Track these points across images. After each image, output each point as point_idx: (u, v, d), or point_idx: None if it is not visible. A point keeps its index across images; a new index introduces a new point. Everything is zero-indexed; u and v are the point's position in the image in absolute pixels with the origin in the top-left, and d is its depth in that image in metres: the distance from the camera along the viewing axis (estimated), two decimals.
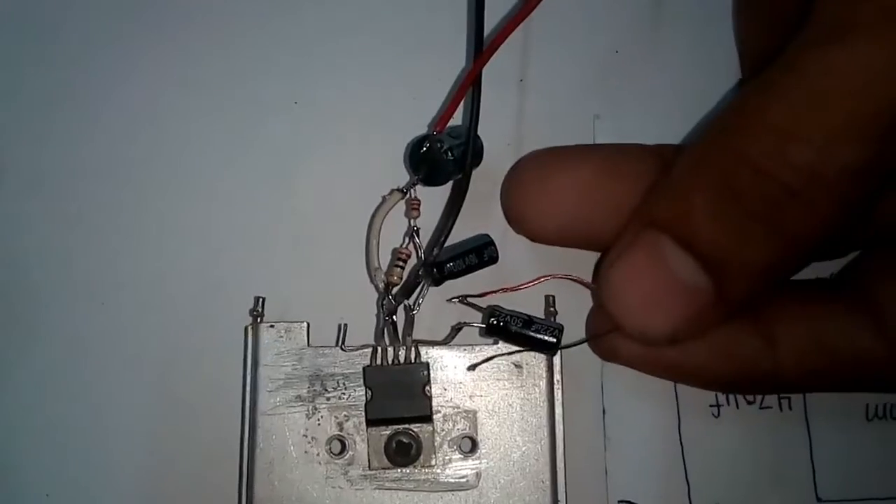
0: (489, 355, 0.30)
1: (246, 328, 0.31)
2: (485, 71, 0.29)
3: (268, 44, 0.34)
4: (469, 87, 0.30)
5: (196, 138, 0.33)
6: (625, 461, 0.31)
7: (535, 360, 0.30)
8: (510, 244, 0.32)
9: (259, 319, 0.31)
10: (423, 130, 0.31)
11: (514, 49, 0.33)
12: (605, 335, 0.29)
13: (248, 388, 0.30)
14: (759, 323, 0.28)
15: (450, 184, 0.31)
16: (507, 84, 0.33)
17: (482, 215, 0.32)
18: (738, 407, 0.32)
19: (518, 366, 0.30)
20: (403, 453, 0.29)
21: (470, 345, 0.30)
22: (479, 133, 0.31)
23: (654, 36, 0.34)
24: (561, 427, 0.30)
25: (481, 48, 0.30)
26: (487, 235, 0.31)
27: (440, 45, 0.33)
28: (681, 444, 0.31)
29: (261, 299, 0.31)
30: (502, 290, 0.30)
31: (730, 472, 0.31)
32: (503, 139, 0.33)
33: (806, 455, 0.31)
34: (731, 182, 0.24)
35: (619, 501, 0.31)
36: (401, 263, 0.30)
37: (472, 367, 0.30)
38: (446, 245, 0.29)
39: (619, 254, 0.27)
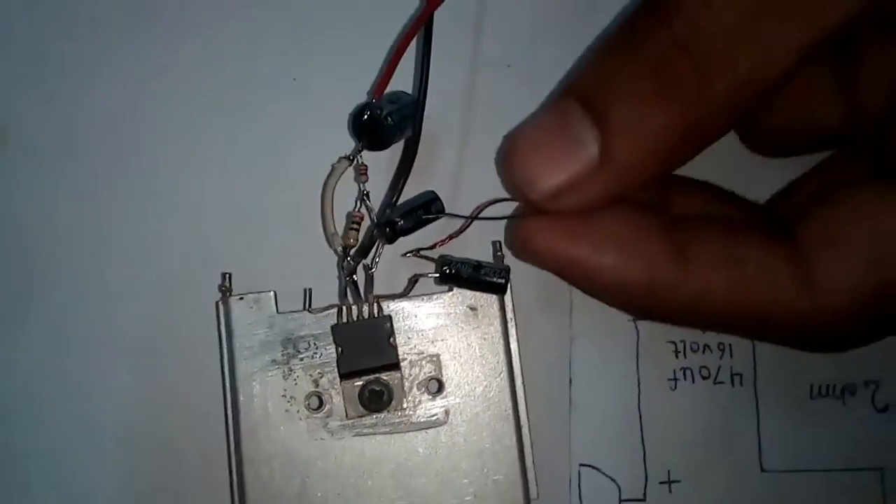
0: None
1: (217, 303, 0.33)
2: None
3: (210, 23, 0.35)
4: (402, 53, 0.32)
5: (145, 120, 0.35)
6: (588, 427, 0.34)
7: (488, 301, 0.32)
8: (454, 197, 0.34)
9: (228, 294, 0.32)
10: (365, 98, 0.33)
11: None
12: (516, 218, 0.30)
13: (225, 359, 0.32)
14: (672, 233, 0.28)
15: (394, 147, 0.33)
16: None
17: (424, 172, 0.34)
18: (693, 381, 0.34)
19: (473, 308, 0.32)
20: (376, 400, 0.31)
21: (427, 294, 0.32)
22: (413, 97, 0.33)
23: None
24: (518, 360, 0.32)
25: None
26: (432, 192, 0.33)
27: (380, 13, 0.35)
28: (639, 413, 0.34)
29: (227, 275, 0.33)
30: (449, 237, 0.32)
31: (683, 441, 0.34)
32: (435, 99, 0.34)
33: (753, 429, 0.34)
34: (640, 47, 0.25)
35: (580, 465, 0.34)
36: (355, 226, 0.32)
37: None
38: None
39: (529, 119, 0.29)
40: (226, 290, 0.33)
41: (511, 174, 0.28)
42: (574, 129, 0.26)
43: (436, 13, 0.31)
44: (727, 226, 0.29)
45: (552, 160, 0.27)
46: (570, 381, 0.34)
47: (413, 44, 0.32)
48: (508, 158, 0.28)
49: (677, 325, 0.31)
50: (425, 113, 0.32)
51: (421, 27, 0.31)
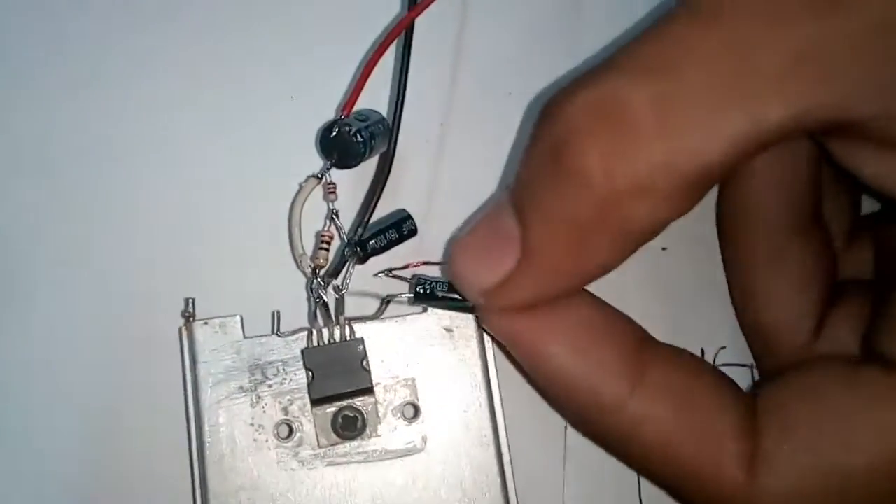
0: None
1: (180, 329, 0.31)
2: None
3: (163, 39, 0.34)
4: (374, 66, 0.31)
5: (106, 137, 0.34)
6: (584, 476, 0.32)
7: (465, 322, 0.31)
8: (427, 216, 0.33)
9: (191, 319, 0.31)
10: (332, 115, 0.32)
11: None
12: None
13: (189, 387, 0.30)
14: (636, 349, 0.27)
15: (363, 165, 0.32)
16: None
17: (394, 190, 0.33)
18: None
19: (449, 330, 0.31)
20: (350, 427, 0.30)
21: (400, 315, 0.31)
22: (382, 114, 0.33)
23: (575, 16, 0.35)
24: (496, 383, 0.31)
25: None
26: (404, 210, 0.32)
27: (350, 27, 0.34)
28: None
29: (190, 300, 0.31)
30: (425, 262, 0.31)
31: None
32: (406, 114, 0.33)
33: None
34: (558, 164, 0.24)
35: None
36: (325, 246, 0.31)
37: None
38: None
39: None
40: (189, 316, 0.31)
41: (451, 277, 0.28)
42: (504, 227, 0.25)
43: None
44: (695, 364, 0.28)
45: (483, 260, 0.26)
46: (567, 427, 0.33)
47: (383, 60, 0.31)
48: (449, 261, 0.27)
49: (606, 449, 0.30)
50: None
51: (395, 39, 0.31)
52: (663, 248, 0.34)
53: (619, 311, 0.28)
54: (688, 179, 0.23)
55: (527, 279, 0.26)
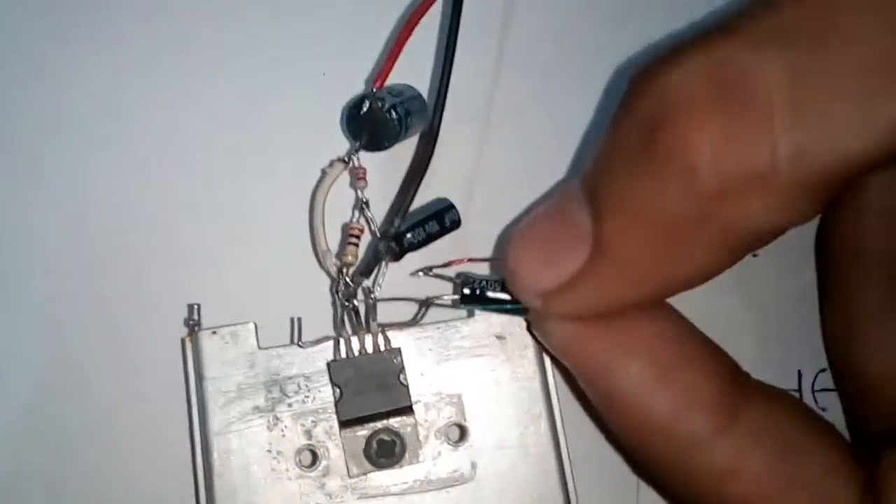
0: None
1: (182, 340, 0.27)
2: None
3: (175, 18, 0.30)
4: (407, 38, 0.27)
5: (103, 122, 0.29)
6: None
7: (519, 328, 0.27)
8: (469, 207, 0.29)
9: (196, 328, 0.26)
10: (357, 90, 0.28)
11: None
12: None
13: (194, 408, 0.26)
14: (729, 381, 0.23)
15: (394, 149, 0.28)
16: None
17: (431, 179, 0.28)
18: None
19: (501, 337, 0.27)
20: (387, 453, 0.25)
21: (443, 321, 0.27)
22: (419, 90, 0.28)
23: None
24: (557, 399, 0.26)
25: None
26: (446, 199, 0.28)
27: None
28: None
29: (195, 306, 0.27)
30: (471, 259, 0.27)
31: None
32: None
33: None
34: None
35: None
36: (354, 241, 0.26)
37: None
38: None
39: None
40: (194, 324, 0.27)
41: (505, 274, 0.24)
42: (573, 218, 0.22)
43: None
44: (800, 409, 0.24)
45: (545, 256, 0.23)
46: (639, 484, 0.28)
47: (419, 32, 0.27)
48: (504, 256, 0.24)
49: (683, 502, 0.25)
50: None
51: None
52: (754, 255, 0.29)
53: (704, 335, 0.24)
54: (821, 176, 0.19)
55: (597, 281, 0.22)
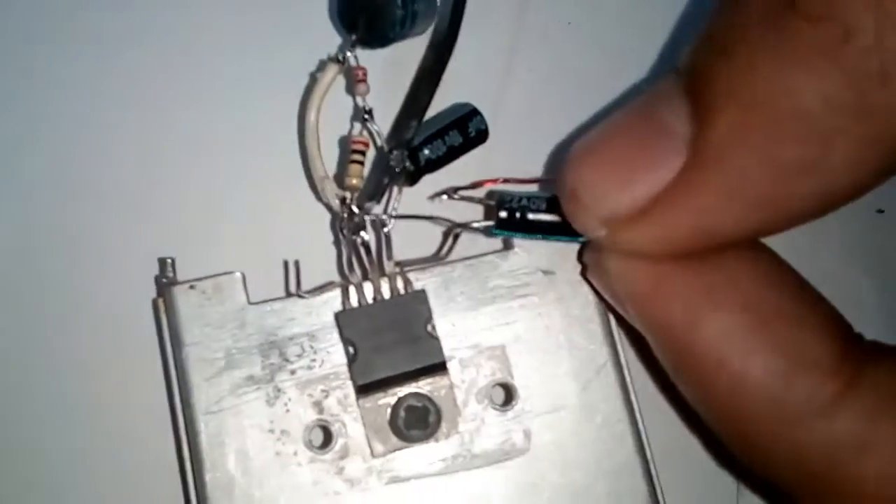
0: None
1: (154, 302, 0.22)
2: None
3: None
4: None
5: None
6: None
7: (572, 260, 0.21)
8: (500, 115, 0.23)
9: (171, 285, 0.21)
10: None
11: None
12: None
13: (174, 383, 0.21)
14: (848, 341, 0.18)
15: (395, 47, 0.22)
16: None
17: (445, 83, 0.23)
18: None
19: (549, 272, 0.21)
20: (418, 423, 0.20)
21: (475, 256, 0.22)
22: None
23: None
24: (622, 346, 0.22)
25: None
26: (469, 104, 0.22)
27: None
28: None
29: (169, 261, 0.22)
30: (506, 180, 0.22)
31: None
32: None
33: None
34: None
35: None
36: (358, 157, 0.21)
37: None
38: None
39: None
40: (167, 283, 0.21)
41: (560, 195, 0.19)
42: (662, 122, 0.17)
43: None
44: None
45: (622, 169, 0.18)
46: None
47: None
48: (560, 173, 0.19)
49: (788, 488, 0.19)
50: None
51: None
52: (880, 211, 0.24)
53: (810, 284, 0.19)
54: None
55: (690, 203, 0.17)
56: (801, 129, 0.16)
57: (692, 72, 0.17)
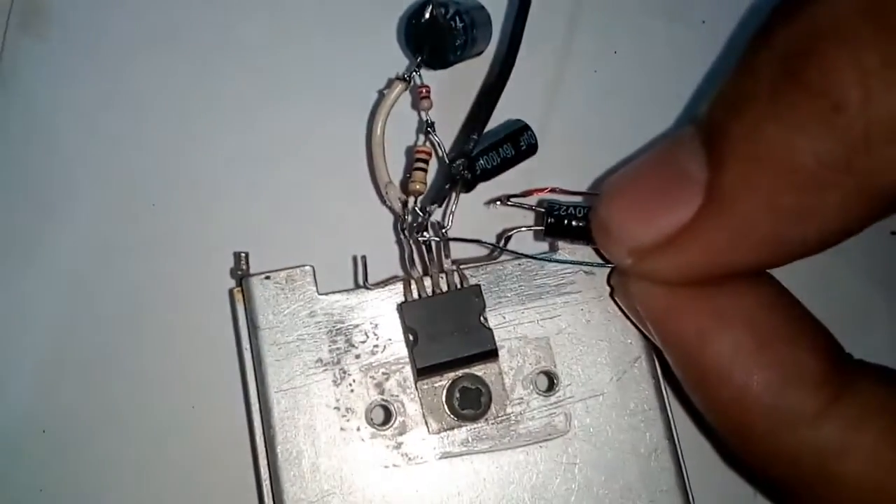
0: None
1: (231, 291, 0.24)
2: None
3: None
4: None
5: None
6: None
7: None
8: (548, 130, 0.25)
9: (246, 276, 0.23)
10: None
11: None
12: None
13: (248, 364, 0.23)
14: (834, 357, 0.20)
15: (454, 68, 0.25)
16: None
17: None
18: None
19: (591, 273, 0.24)
20: (472, 403, 0.23)
21: (525, 256, 0.24)
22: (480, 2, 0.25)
23: None
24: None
25: None
26: (521, 120, 0.25)
27: None
28: None
29: (243, 255, 0.24)
30: (552, 190, 0.24)
31: None
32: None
33: None
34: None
35: None
36: (422, 165, 0.23)
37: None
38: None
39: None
40: (242, 275, 0.23)
41: (593, 226, 0.22)
42: (682, 166, 0.20)
43: None
44: None
45: (646, 207, 0.20)
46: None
47: None
48: (594, 207, 0.21)
49: (784, 488, 0.22)
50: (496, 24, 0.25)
51: None
52: (894, 233, 0.26)
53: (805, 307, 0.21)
54: None
55: (704, 239, 0.19)
56: (799, 181, 0.18)
57: (709, 125, 0.19)
